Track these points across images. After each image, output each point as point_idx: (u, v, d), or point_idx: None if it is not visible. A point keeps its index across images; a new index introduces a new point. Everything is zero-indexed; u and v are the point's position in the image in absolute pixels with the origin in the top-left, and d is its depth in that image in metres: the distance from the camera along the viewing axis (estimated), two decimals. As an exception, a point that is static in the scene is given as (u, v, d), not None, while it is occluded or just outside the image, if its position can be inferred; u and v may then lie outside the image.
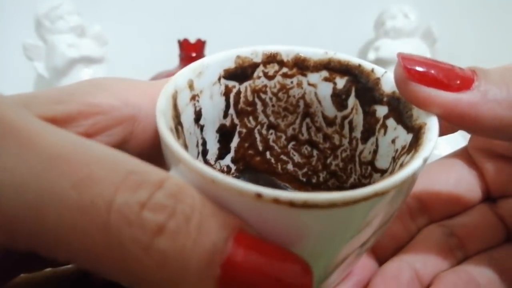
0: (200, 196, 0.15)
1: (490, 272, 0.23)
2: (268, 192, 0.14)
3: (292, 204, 0.14)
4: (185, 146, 0.20)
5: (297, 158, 0.25)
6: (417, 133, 0.19)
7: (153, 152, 0.19)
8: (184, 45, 0.76)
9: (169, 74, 0.59)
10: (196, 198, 0.15)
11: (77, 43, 0.74)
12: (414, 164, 0.17)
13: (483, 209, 0.26)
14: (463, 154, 0.27)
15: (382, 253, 0.25)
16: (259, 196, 0.14)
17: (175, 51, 0.77)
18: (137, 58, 0.82)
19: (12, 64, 0.79)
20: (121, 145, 0.20)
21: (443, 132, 0.25)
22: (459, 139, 0.48)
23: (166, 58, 0.79)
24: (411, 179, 0.17)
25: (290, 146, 0.25)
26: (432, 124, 0.19)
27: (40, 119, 0.15)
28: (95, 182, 0.14)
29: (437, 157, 0.28)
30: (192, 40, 0.76)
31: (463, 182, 0.26)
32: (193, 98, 0.21)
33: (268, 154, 0.25)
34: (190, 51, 0.76)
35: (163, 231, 0.14)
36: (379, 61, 0.78)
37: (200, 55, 0.76)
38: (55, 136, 0.15)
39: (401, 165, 0.18)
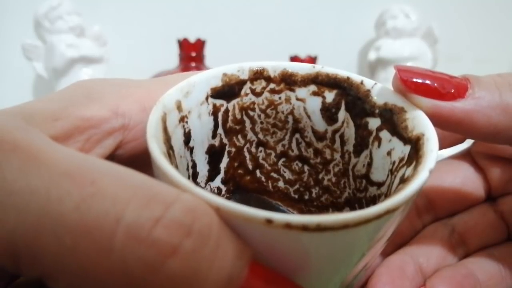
0: (217, 216, 0.14)
1: (490, 268, 0.24)
2: (279, 217, 0.13)
3: (305, 228, 0.13)
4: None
5: (288, 174, 0.25)
6: (415, 144, 0.19)
7: (145, 158, 0.18)
8: (184, 44, 0.76)
9: (169, 73, 0.59)
10: (214, 217, 0.14)
11: (76, 43, 0.74)
12: (421, 177, 0.16)
13: (484, 207, 0.26)
14: (468, 156, 0.27)
15: (386, 247, 0.25)
16: (269, 221, 0.13)
17: (175, 51, 0.77)
18: (137, 58, 0.81)
19: (11, 64, 0.79)
20: (113, 154, 0.19)
21: (452, 143, 0.26)
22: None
23: (166, 58, 0.78)
24: (420, 192, 0.16)
25: (280, 163, 0.25)
26: (431, 134, 0.18)
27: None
28: (101, 199, 0.13)
29: (439, 157, 0.29)
30: (192, 39, 0.76)
31: (469, 182, 0.26)
32: (182, 119, 0.20)
33: (258, 172, 0.25)
34: (190, 50, 0.76)
35: (177, 251, 0.13)
36: (380, 61, 0.78)
37: (199, 54, 0.76)
38: (60, 154, 0.14)
39: (404, 178, 0.18)
